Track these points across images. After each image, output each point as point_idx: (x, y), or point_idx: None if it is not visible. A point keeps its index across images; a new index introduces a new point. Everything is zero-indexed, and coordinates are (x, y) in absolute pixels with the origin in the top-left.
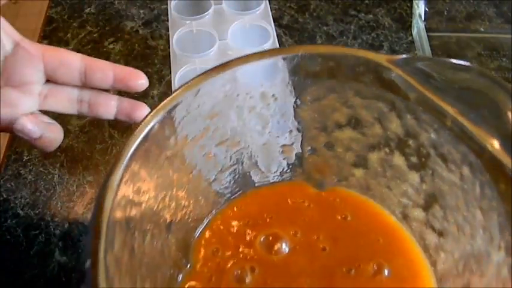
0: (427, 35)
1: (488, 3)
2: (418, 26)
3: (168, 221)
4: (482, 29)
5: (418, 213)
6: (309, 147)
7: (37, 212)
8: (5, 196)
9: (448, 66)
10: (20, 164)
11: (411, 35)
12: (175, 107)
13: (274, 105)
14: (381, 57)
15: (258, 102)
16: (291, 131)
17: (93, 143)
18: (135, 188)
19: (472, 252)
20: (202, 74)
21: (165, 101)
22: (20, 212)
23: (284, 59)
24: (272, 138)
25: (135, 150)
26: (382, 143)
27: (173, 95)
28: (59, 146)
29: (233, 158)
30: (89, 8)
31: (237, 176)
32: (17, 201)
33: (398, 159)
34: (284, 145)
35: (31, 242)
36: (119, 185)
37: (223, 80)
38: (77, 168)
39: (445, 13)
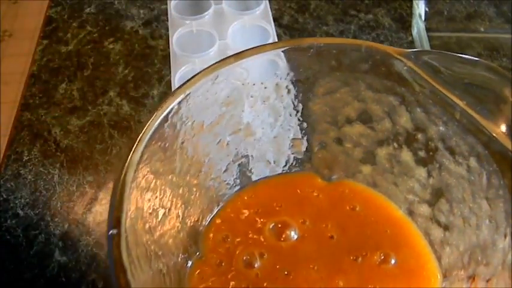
0: (427, 35)
1: (488, 3)
2: (418, 26)
3: (180, 205)
4: (482, 29)
5: (423, 209)
6: (319, 142)
7: (37, 212)
8: (5, 196)
9: (456, 60)
10: (20, 164)
11: (411, 35)
12: (194, 91)
13: (287, 98)
14: (393, 50)
15: (272, 93)
16: (301, 125)
17: (93, 143)
18: (153, 169)
19: (477, 243)
20: (221, 60)
21: (185, 84)
22: (20, 212)
23: (299, 49)
24: (283, 131)
25: (156, 129)
26: (391, 137)
27: (193, 78)
28: (59, 146)
29: (244, 149)
30: (89, 8)
31: (245, 168)
32: (17, 201)
33: (406, 155)
34: (294, 139)
35: (31, 242)
36: (139, 162)
37: (240, 68)
38: (77, 168)
39: (445, 13)
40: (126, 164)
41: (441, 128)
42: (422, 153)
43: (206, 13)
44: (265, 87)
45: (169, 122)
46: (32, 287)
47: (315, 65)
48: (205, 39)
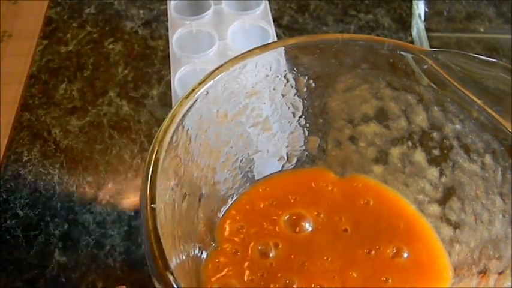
0: (427, 35)
1: (488, 3)
2: (418, 26)
3: (199, 194)
4: (482, 29)
5: (433, 209)
6: (333, 139)
7: (37, 212)
8: (4, 196)
9: (474, 60)
10: (19, 164)
11: (411, 35)
12: (223, 77)
13: (307, 93)
14: (415, 48)
15: (293, 87)
16: (318, 121)
17: (92, 143)
18: (179, 152)
19: (489, 238)
20: (248, 51)
21: (214, 71)
22: (20, 212)
23: (324, 44)
24: (300, 127)
25: (185, 113)
26: (405, 136)
27: (222, 66)
28: (59, 147)
29: (261, 143)
30: (88, 8)
31: (260, 162)
32: (16, 202)
33: (419, 155)
34: (309, 135)
35: (31, 242)
36: (170, 143)
37: (264, 61)
38: (77, 169)
39: (445, 13)
40: (159, 142)
41: (457, 126)
42: (436, 152)
43: (206, 13)
44: (287, 81)
45: (197, 106)
46: (32, 287)
47: (337, 61)
48: (205, 40)
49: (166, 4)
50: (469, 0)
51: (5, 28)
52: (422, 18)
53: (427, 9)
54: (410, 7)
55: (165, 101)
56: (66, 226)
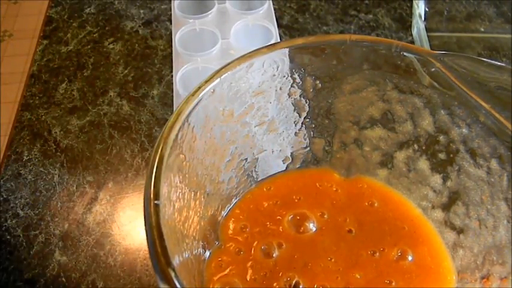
0: (427, 35)
1: (488, 3)
2: (418, 26)
3: (203, 192)
4: (482, 29)
5: (437, 214)
6: (339, 141)
7: (37, 212)
8: (5, 196)
9: (482, 64)
10: (20, 164)
11: (411, 35)
12: (230, 75)
13: (313, 93)
14: (423, 51)
15: (299, 87)
16: (324, 122)
17: (93, 143)
18: (184, 149)
19: (493, 244)
20: (256, 50)
21: (221, 69)
22: (20, 212)
23: (331, 44)
24: (305, 128)
25: (192, 109)
26: (411, 140)
27: (229, 64)
28: (59, 146)
29: (267, 143)
30: (89, 8)
31: (265, 162)
32: (17, 201)
33: (424, 162)
34: (315, 136)
35: (31, 242)
36: (175, 140)
37: (271, 60)
38: (77, 168)
39: (445, 13)
40: (164, 139)
41: (464, 130)
42: (442, 156)
43: (209, 12)
44: (294, 81)
45: (203, 104)
46: (32, 287)
47: (344, 62)
48: (207, 38)
49: (166, 4)
50: (469, 0)
51: (5, 28)
52: (423, 17)
53: (427, 9)
54: (411, 7)
55: (166, 101)
56: (66, 226)
